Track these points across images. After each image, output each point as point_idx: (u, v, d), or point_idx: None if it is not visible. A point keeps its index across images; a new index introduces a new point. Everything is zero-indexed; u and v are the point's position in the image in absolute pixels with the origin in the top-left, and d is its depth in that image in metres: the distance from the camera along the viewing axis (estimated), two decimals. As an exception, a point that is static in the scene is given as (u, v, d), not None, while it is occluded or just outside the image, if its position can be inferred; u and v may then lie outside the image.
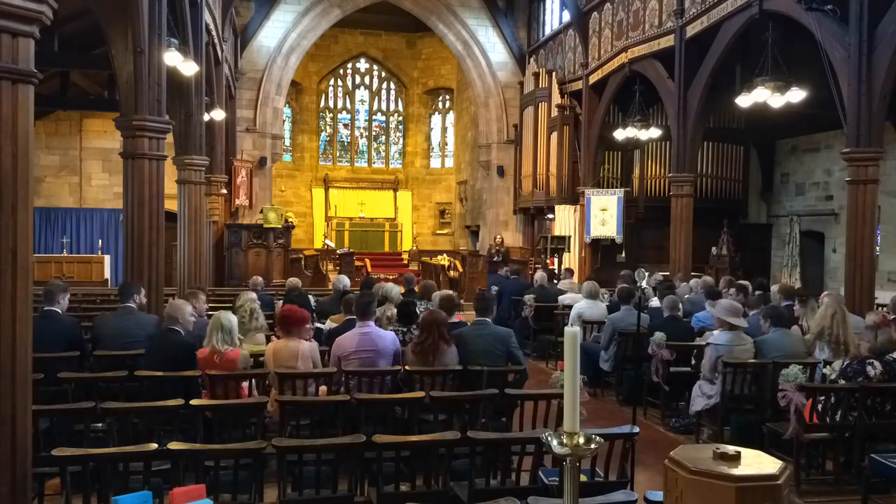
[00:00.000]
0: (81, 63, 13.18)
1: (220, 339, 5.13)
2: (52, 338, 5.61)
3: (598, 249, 15.85)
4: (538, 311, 10.40)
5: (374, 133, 27.31)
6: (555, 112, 17.07)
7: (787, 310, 7.09)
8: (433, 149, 27.36)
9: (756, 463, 2.04)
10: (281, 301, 8.36)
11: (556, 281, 11.76)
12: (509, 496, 3.07)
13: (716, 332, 6.57)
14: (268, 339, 6.32)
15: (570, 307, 9.35)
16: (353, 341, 5.45)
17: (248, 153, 18.58)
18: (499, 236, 18.30)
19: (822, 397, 5.37)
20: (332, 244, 22.50)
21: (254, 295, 7.08)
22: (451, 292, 7.37)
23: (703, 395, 6.45)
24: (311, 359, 5.36)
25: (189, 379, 5.16)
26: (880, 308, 8.36)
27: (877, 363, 5.34)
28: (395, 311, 6.49)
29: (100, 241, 18.51)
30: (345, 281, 8.61)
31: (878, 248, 10.64)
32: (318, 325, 6.82)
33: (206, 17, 11.44)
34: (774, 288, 8.62)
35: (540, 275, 11.53)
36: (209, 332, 5.24)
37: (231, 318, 5.35)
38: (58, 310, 5.96)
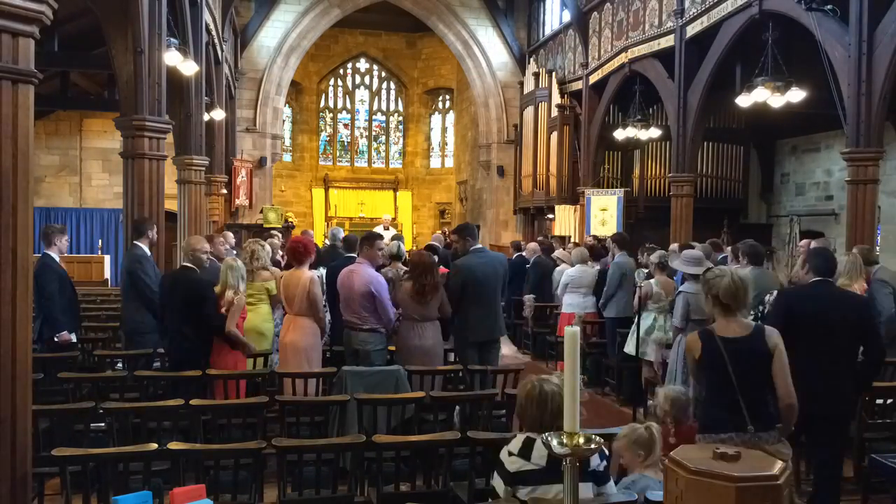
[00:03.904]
0: (81, 63, 13.16)
1: (231, 277, 5.59)
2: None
3: (598, 249, 15.83)
4: (538, 310, 10.40)
5: (374, 133, 27.28)
6: (555, 112, 17.05)
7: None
8: (433, 149, 27.34)
9: (756, 463, 2.04)
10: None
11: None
12: (509, 496, 3.06)
13: (686, 283, 6.51)
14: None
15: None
16: (340, 279, 6.07)
17: (248, 153, 18.57)
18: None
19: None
20: (332, 244, 22.48)
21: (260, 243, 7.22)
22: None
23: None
24: (315, 286, 5.87)
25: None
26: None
27: None
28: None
29: (100, 241, 18.50)
30: (338, 232, 9.32)
31: (878, 248, 10.63)
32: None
33: (206, 17, 11.44)
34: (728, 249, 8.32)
35: (532, 246, 11.46)
36: (222, 274, 5.72)
37: (239, 263, 5.89)
38: (54, 255, 6.28)
